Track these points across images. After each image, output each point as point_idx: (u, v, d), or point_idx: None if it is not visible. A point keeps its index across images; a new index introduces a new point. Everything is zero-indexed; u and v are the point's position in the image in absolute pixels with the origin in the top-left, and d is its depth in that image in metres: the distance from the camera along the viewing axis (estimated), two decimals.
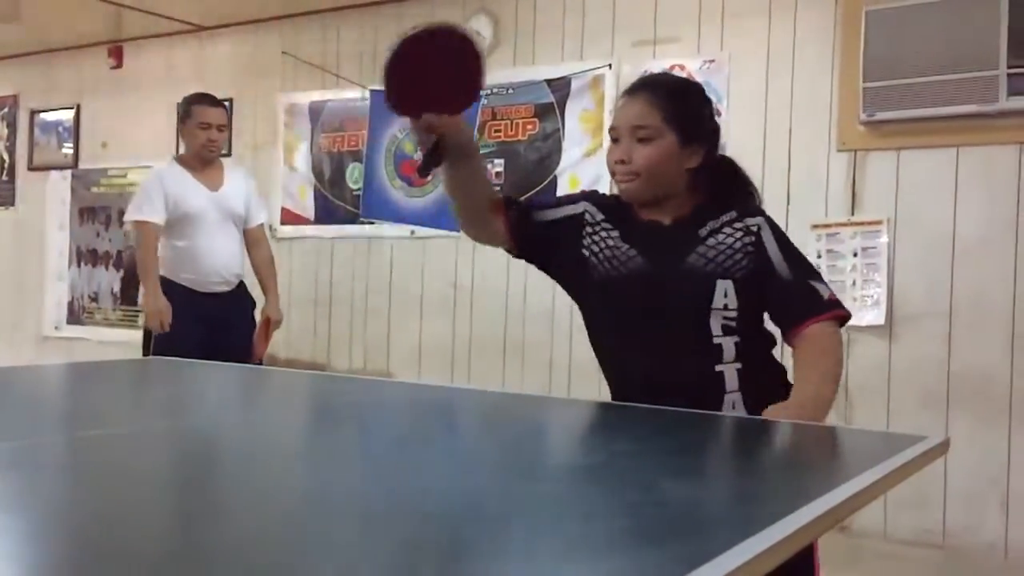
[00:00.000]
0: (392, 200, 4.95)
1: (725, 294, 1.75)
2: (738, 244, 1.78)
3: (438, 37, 1.66)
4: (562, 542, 0.86)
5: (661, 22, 4.26)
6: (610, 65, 4.35)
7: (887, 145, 3.72)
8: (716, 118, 1.96)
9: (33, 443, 1.26)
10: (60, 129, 6.53)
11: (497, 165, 4.65)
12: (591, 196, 1.94)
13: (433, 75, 1.64)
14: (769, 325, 1.87)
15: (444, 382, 4.51)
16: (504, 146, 4.63)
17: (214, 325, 3.79)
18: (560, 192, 4.45)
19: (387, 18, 5.08)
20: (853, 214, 3.79)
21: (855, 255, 3.77)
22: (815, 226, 3.84)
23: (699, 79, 4.13)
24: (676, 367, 1.75)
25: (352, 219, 5.14)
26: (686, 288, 1.77)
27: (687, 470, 1.29)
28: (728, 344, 1.76)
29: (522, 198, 1.96)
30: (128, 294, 6.14)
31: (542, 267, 1.94)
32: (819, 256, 3.82)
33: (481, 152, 4.61)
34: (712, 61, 4.12)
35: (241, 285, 4.04)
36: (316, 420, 1.75)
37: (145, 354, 3.82)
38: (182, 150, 4.10)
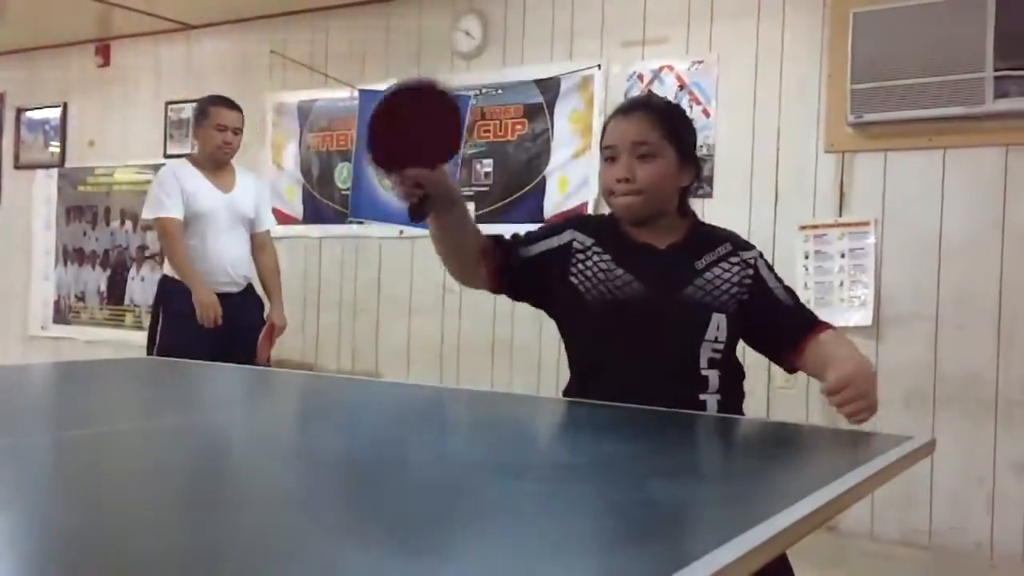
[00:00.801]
0: (381, 200, 4.94)
1: (718, 327, 1.79)
2: (735, 278, 1.82)
3: (417, 93, 1.65)
4: (549, 541, 0.86)
5: (650, 23, 4.27)
6: (599, 66, 4.35)
7: (874, 146, 3.74)
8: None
9: (19, 442, 1.25)
10: (47, 127, 6.49)
11: (486, 165, 4.64)
12: (577, 222, 1.93)
13: (415, 130, 1.62)
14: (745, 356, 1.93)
15: (432, 382, 4.51)
16: (493, 146, 4.63)
17: (221, 326, 3.77)
18: (548, 193, 4.45)
19: (376, 17, 5.07)
20: (841, 215, 3.80)
21: (843, 256, 3.78)
22: (803, 227, 3.85)
23: (687, 80, 4.15)
24: (661, 393, 1.75)
25: (340, 219, 5.13)
26: (682, 318, 1.79)
27: (674, 470, 1.29)
28: (713, 376, 1.80)
29: (510, 234, 1.93)
30: (114, 293, 6.12)
31: (535, 304, 1.94)
32: (807, 257, 3.84)
33: (470, 153, 4.63)
34: (701, 62, 4.13)
35: (249, 287, 4.05)
36: (304, 420, 1.75)
37: (149, 353, 3.80)
38: (194, 149, 4.11)
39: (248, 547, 0.82)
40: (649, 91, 4.12)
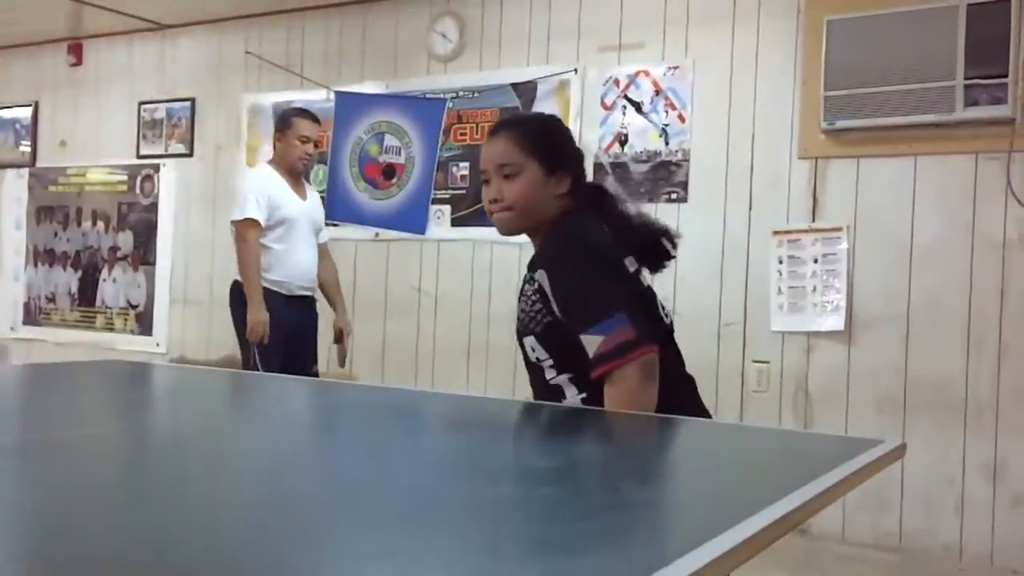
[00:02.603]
0: (356, 202, 4.93)
1: (533, 349, 1.86)
2: (529, 302, 1.86)
3: None
4: (522, 544, 0.86)
5: (626, 27, 4.29)
6: (575, 70, 4.37)
7: (847, 153, 3.77)
8: (576, 144, 2.03)
9: None
10: (17, 126, 6.42)
11: (462, 168, 4.64)
12: None
13: None
14: None
15: (407, 385, 4.50)
16: (469, 150, 4.62)
17: (292, 329, 3.91)
18: None
19: (352, 19, 5.06)
20: (814, 221, 3.83)
21: (815, 261, 3.81)
22: (776, 232, 3.88)
23: (663, 85, 4.17)
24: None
25: None
26: (519, 343, 1.91)
27: (647, 473, 1.30)
28: (563, 380, 1.84)
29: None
30: (86, 295, 6.06)
31: None
32: (780, 262, 3.87)
33: (446, 155, 4.62)
34: (676, 67, 4.15)
35: (314, 294, 4.13)
36: (277, 423, 1.73)
37: (246, 366, 3.84)
38: (270, 157, 4.15)
39: (217, 551, 0.81)
40: (518, 112, 4.24)
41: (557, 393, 1.85)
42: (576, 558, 0.81)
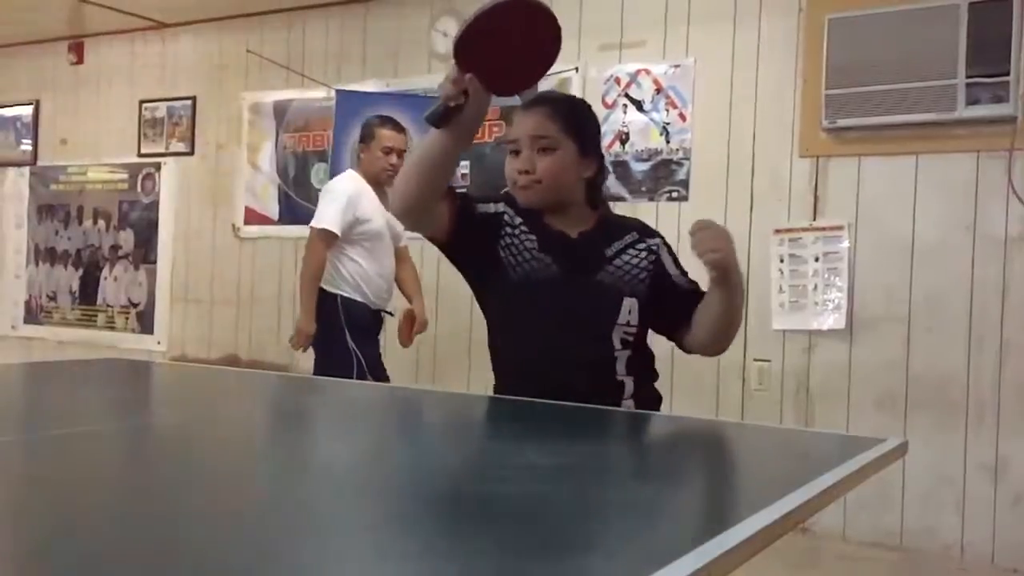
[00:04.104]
0: None
1: (629, 311, 1.86)
2: (642, 263, 1.89)
3: (532, 13, 1.70)
4: (525, 543, 0.86)
5: (628, 26, 4.28)
6: (577, 68, 4.36)
7: (848, 152, 3.77)
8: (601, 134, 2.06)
9: None
10: (18, 125, 6.42)
11: (463, 167, 4.64)
12: (508, 198, 1.96)
13: (512, 48, 1.66)
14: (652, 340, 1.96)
15: (408, 383, 4.50)
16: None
17: (376, 343, 3.89)
18: None
19: (354, 17, 5.05)
20: (815, 219, 3.83)
21: (817, 260, 3.81)
22: (777, 231, 3.88)
23: (664, 83, 4.17)
24: (575, 375, 1.82)
25: None
26: (595, 303, 1.86)
27: (650, 472, 1.30)
28: (623, 357, 1.86)
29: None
30: (87, 293, 6.06)
31: (461, 262, 1.94)
32: (781, 260, 3.86)
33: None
34: (678, 66, 4.15)
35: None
36: (277, 421, 1.74)
37: (320, 372, 3.79)
38: (357, 167, 3.94)
39: (216, 549, 0.81)
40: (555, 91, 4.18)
41: (609, 368, 1.84)
42: (579, 557, 0.81)
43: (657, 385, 1.96)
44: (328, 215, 3.71)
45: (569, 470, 1.19)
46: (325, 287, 3.79)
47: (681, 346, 1.93)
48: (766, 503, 0.96)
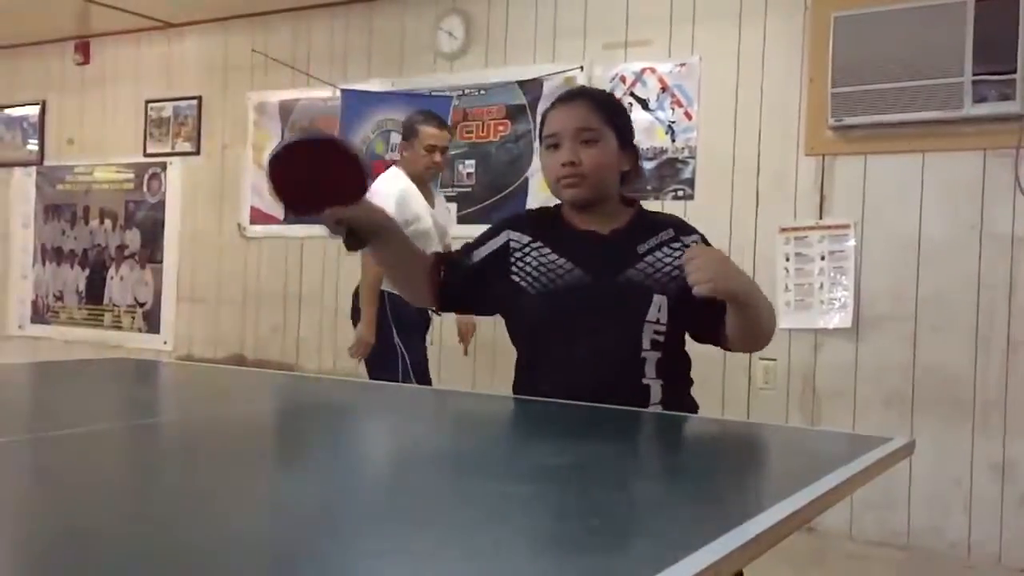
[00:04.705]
0: None
1: (659, 309, 1.80)
2: (676, 262, 1.80)
3: (310, 145, 1.77)
4: (531, 541, 0.86)
5: (633, 25, 4.28)
6: (582, 67, 4.36)
7: (854, 150, 3.76)
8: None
9: None
10: (25, 125, 6.44)
11: (468, 166, 4.64)
12: (512, 222, 1.96)
13: (317, 176, 1.69)
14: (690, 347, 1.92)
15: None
16: (475, 147, 4.63)
17: (423, 344, 3.81)
18: (531, 194, 4.46)
19: (359, 17, 5.06)
20: (821, 218, 3.83)
21: (823, 258, 3.80)
22: (783, 229, 3.87)
23: (670, 82, 4.17)
24: (603, 378, 1.78)
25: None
26: (623, 299, 1.81)
27: (655, 471, 1.30)
28: (652, 358, 1.80)
29: (455, 248, 1.97)
30: (93, 293, 6.07)
31: (477, 312, 1.98)
32: (787, 259, 3.86)
33: (452, 153, 4.61)
34: (683, 64, 4.14)
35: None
36: (283, 420, 1.74)
37: (373, 375, 3.72)
38: (400, 163, 3.82)
39: (224, 549, 0.81)
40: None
41: (640, 369, 1.79)
42: (585, 556, 0.81)
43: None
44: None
45: (577, 469, 1.19)
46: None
47: (721, 345, 1.86)
48: (772, 502, 0.96)
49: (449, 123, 4.58)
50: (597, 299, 1.81)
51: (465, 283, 1.91)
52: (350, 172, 1.71)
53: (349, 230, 1.72)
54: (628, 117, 1.95)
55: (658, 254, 1.83)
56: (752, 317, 1.72)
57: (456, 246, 3.95)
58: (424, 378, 3.77)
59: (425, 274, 1.91)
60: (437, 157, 3.72)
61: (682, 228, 1.90)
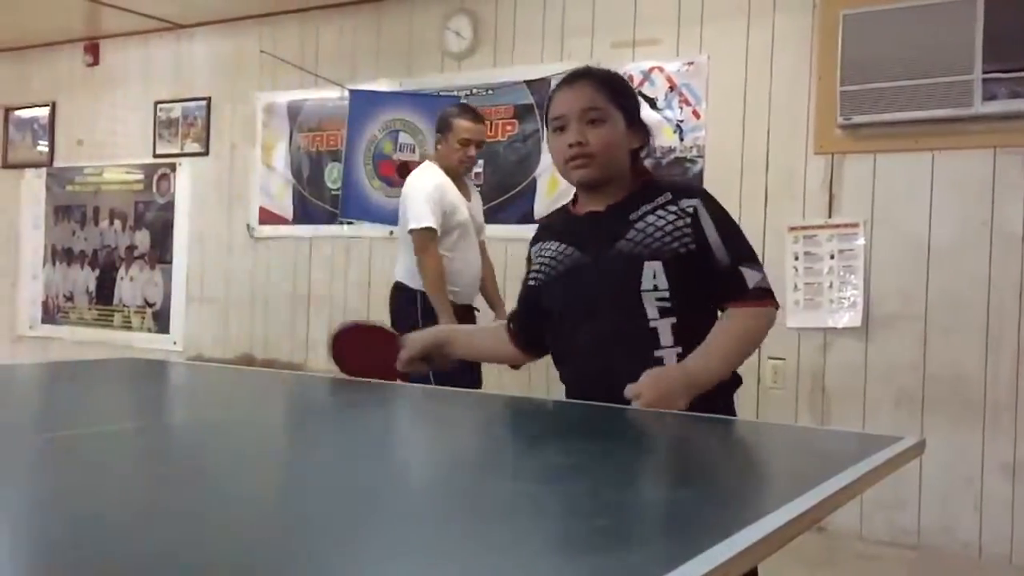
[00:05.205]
0: (371, 200, 4.94)
1: (654, 275, 1.74)
2: (669, 227, 1.76)
3: (357, 331, 2.13)
4: (542, 541, 0.86)
5: (640, 24, 4.27)
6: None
7: (864, 148, 3.75)
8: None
9: (5, 443, 1.25)
10: (35, 126, 6.46)
11: (478, 167, 4.64)
12: (532, 239, 2.01)
13: (371, 351, 2.07)
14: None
15: (421, 383, 4.49)
16: (484, 147, 4.62)
17: None
18: (539, 194, 4.46)
19: (367, 17, 5.06)
20: (830, 216, 3.81)
21: (832, 257, 3.79)
22: (792, 228, 3.86)
23: (678, 81, 4.16)
24: (618, 356, 1.75)
25: (331, 219, 5.12)
26: (615, 272, 1.77)
27: (665, 470, 1.29)
28: (664, 326, 1.74)
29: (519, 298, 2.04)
30: (103, 293, 6.09)
31: None
32: (796, 258, 3.85)
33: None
34: (691, 63, 4.14)
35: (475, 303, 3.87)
36: (293, 420, 1.74)
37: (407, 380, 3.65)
38: (434, 157, 3.78)
39: (235, 547, 0.81)
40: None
41: (649, 341, 1.73)
42: (594, 555, 0.81)
43: None
44: (424, 213, 3.55)
45: (586, 469, 1.19)
46: (408, 283, 3.68)
47: None
48: (782, 502, 0.96)
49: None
50: (592, 275, 1.80)
51: (529, 320, 1.97)
52: (389, 345, 2.04)
53: (424, 359, 2.01)
54: (634, 94, 1.94)
55: (650, 219, 1.78)
56: (725, 369, 1.74)
57: (484, 234, 3.99)
58: (462, 377, 3.64)
59: (504, 337, 2.04)
60: (472, 151, 3.68)
61: (682, 191, 1.84)
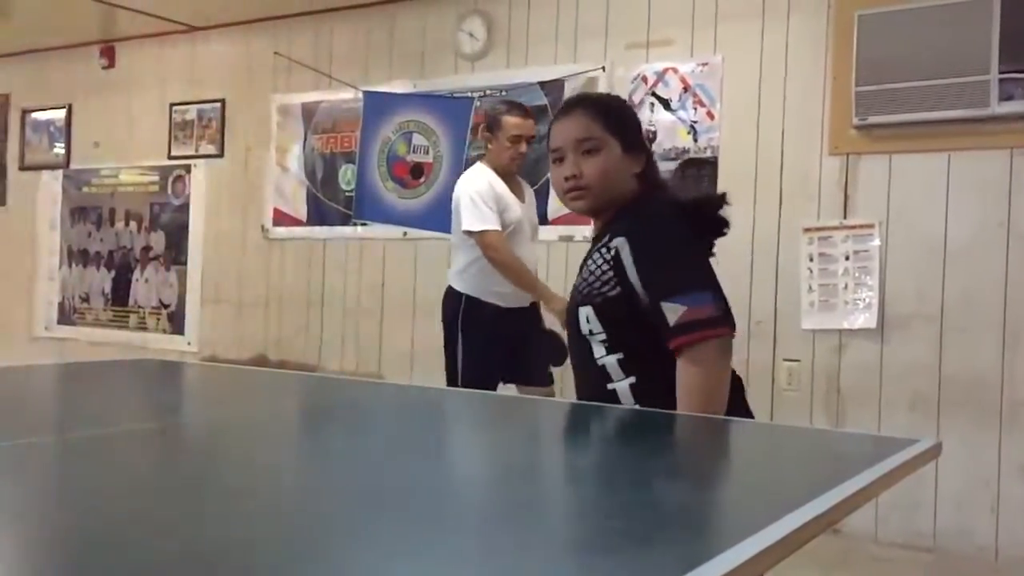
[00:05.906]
0: (385, 201, 4.94)
1: (587, 320, 1.79)
2: (598, 270, 1.79)
3: None
4: (556, 542, 0.86)
5: (654, 25, 4.27)
6: (603, 68, 4.35)
7: (879, 149, 3.73)
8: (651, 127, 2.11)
9: (23, 444, 1.26)
10: (52, 129, 6.51)
11: None
12: None
13: None
14: None
15: (436, 384, 4.51)
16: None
17: (516, 343, 3.59)
18: (552, 195, 4.44)
19: (380, 19, 5.07)
20: (845, 217, 3.80)
21: (847, 258, 3.77)
22: (807, 229, 3.85)
23: (692, 82, 4.15)
24: (585, 387, 1.85)
25: (344, 220, 5.13)
26: (568, 316, 1.88)
27: (679, 472, 1.29)
28: (611, 362, 1.77)
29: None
30: (119, 294, 6.13)
31: None
32: (811, 259, 3.83)
33: (473, 154, 4.61)
34: (705, 64, 4.13)
35: (535, 303, 3.73)
36: (307, 421, 1.75)
37: (451, 383, 3.59)
38: (485, 155, 3.73)
39: (246, 548, 0.82)
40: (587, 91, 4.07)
41: (602, 376, 1.77)
42: (607, 557, 0.81)
43: None
44: (487, 214, 3.49)
45: (596, 469, 1.19)
46: (454, 286, 3.64)
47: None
48: (797, 504, 0.96)
49: (470, 125, 4.59)
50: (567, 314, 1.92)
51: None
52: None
53: None
54: (632, 117, 1.94)
55: (591, 260, 1.83)
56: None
57: (538, 236, 3.97)
58: (520, 373, 3.63)
59: None
60: (523, 147, 3.61)
61: (622, 226, 1.79)
